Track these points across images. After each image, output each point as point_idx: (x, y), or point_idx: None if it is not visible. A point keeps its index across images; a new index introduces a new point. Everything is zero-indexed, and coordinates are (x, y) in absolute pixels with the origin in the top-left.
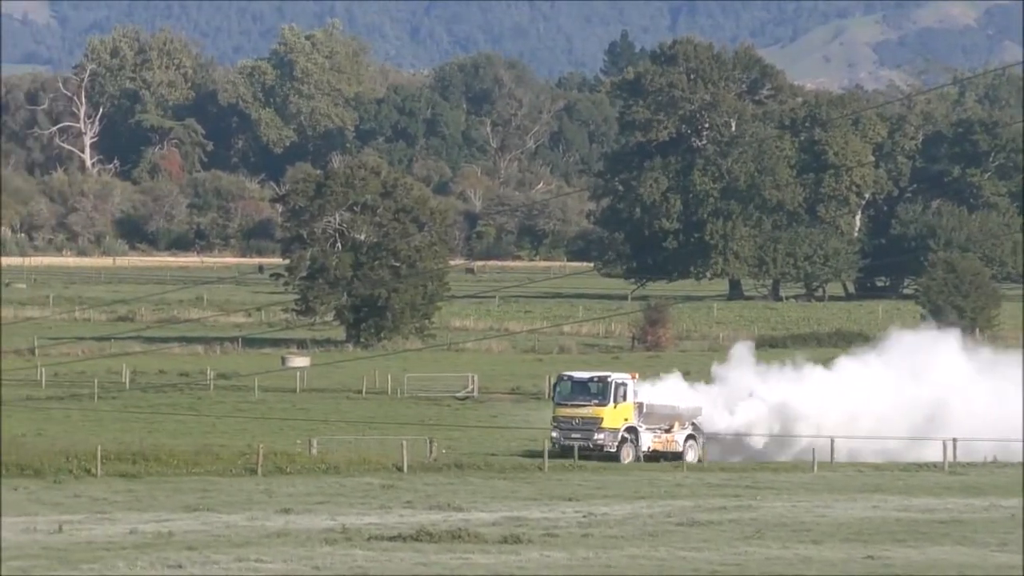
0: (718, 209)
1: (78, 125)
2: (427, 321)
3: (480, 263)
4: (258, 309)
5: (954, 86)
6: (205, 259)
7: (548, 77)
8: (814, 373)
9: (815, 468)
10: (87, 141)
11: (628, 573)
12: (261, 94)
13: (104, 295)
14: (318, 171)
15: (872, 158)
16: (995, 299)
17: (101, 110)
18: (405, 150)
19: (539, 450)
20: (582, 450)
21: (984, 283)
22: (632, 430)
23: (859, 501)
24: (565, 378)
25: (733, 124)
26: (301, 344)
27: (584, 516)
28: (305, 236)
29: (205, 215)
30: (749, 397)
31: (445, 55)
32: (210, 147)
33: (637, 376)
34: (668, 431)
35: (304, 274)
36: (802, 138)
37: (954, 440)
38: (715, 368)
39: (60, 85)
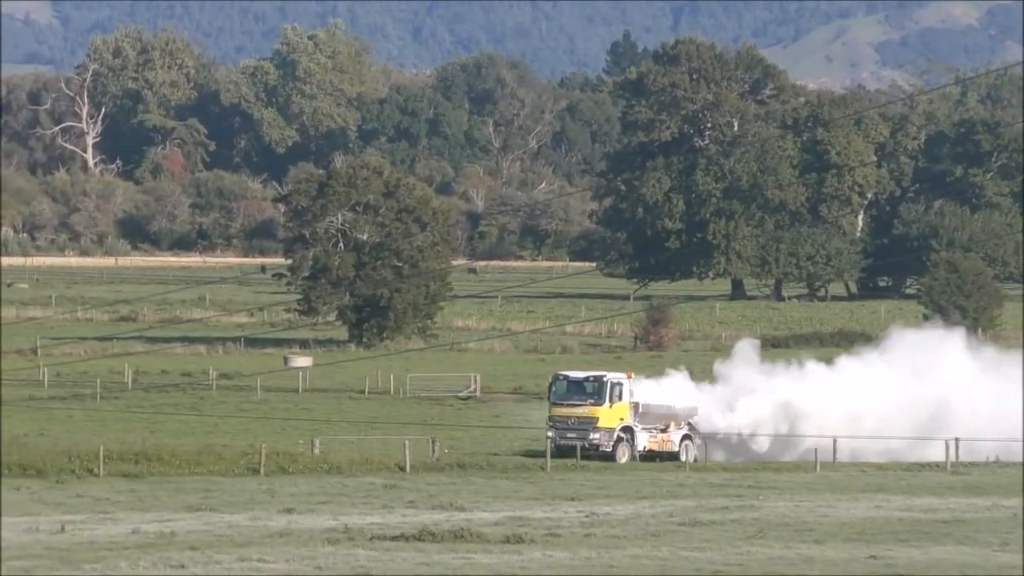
0: (720, 209)
1: (80, 125)
2: (429, 321)
3: (482, 263)
4: (260, 309)
5: (956, 86)
6: (207, 259)
7: (550, 77)
8: (816, 372)
9: (817, 468)
10: (89, 141)
11: (630, 573)
12: (263, 94)
13: (106, 295)
14: (320, 171)
15: (874, 158)
16: (997, 299)
17: (103, 110)
18: (407, 150)
19: (541, 450)
20: (578, 450)
21: (986, 283)
22: (628, 430)
23: (861, 501)
24: (561, 377)
25: (735, 124)
26: (303, 344)
27: (586, 516)
28: (307, 236)
29: (207, 215)
30: (751, 393)
31: (447, 55)
32: (212, 147)
33: (633, 375)
34: (664, 431)
35: (306, 274)
36: (804, 138)
37: (956, 440)
38: (718, 366)
39: (62, 85)
